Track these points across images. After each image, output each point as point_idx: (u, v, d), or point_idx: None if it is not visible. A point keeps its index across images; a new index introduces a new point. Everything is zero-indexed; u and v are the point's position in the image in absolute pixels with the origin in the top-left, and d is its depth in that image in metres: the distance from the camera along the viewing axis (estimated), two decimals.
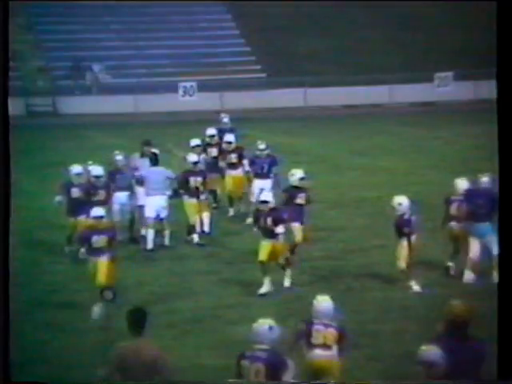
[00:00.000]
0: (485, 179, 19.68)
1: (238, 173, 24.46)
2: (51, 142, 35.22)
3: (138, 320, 11.62)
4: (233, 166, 24.43)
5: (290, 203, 19.97)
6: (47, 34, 50.65)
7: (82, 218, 20.73)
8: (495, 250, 18.54)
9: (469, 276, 19.31)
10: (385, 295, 18.44)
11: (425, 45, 50.84)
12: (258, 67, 50.30)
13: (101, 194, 21.09)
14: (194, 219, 22.17)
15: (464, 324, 11.45)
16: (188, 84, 47.24)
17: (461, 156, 33.24)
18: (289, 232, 19.66)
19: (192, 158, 22.74)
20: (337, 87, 47.22)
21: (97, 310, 16.44)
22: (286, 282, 18.49)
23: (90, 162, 23.08)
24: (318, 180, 28.78)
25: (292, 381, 11.13)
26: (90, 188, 21.20)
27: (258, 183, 23.81)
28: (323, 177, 28.98)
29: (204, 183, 22.55)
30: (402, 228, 18.39)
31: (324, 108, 45.69)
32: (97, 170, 21.46)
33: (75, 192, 21.35)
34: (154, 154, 23.32)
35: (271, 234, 18.21)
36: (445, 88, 48.34)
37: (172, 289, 18.96)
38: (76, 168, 21.60)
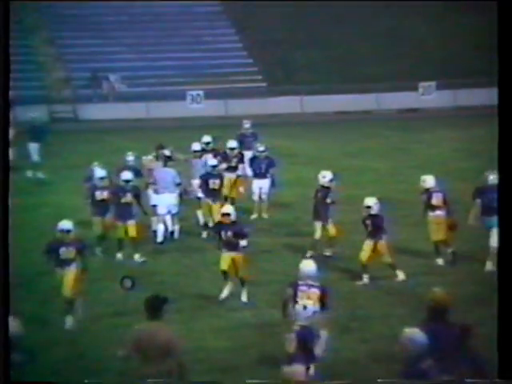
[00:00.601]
0: (492, 177, 19.26)
1: (232, 175, 24.18)
2: (72, 145, 35.20)
3: (156, 306, 11.60)
4: (231, 168, 24.16)
5: (321, 202, 20.23)
6: (68, 47, 50.62)
7: (109, 219, 20.84)
8: (494, 240, 18.56)
9: (489, 266, 19.03)
10: (373, 283, 18.46)
11: (410, 57, 50.77)
12: (259, 77, 50.27)
13: (128, 197, 20.73)
14: (209, 219, 22.00)
15: (444, 309, 11.45)
16: (195, 92, 47.25)
17: (442, 157, 33.27)
18: (324, 229, 20.17)
19: (211, 161, 22.55)
20: (330, 95, 47.22)
21: (69, 320, 16.20)
22: (244, 298, 17.43)
23: (96, 163, 23.09)
24: (312, 180, 28.87)
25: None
26: (119, 191, 20.88)
27: (257, 183, 24.00)
28: (314, 177, 29.00)
29: (221, 185, 22.32)
30: (368, 225, 18.45)
31: (319, 114, 45.69)
32: (126, 174, 21.17)
33: (99, 195, 21.10)
34: (167, 157, 23.38)
35: (232, 247, 17.32)
36: (428, 96, 48.37)
37: (180, 278, 18.99)
38: (99, 172, 21.43)
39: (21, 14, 51.95)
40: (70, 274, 16.22)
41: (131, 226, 20.56)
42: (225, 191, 23.21)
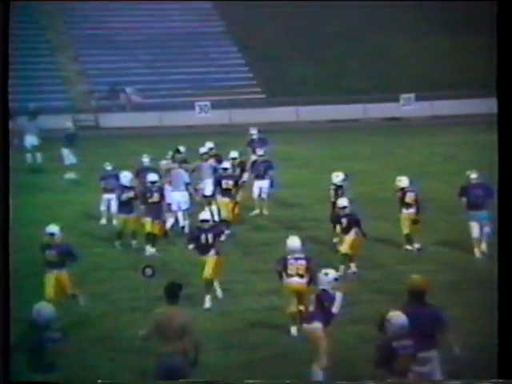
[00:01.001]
0: (474, 176, 19.78)
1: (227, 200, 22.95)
2: (93, 150, 35.21)
3: (174, 292, 11.65)
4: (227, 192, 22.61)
5: (337, 198, 20.09)
6: (90, 64, 50.64)
7: (132, 217, 20.77)
8: (477, 232, 19.43)
9: (477, 253, 19.42)
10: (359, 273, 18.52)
11: (392, 72, 50.76)
12: (259, 90, 50.28)
13: (155, 197, 20.48)
14: (224, 213, 21.95)
15: (421, 293, 11.53)
16: (203, 103, 47.23)
17: (421, 160, 33.30)
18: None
19: (224, 164, 22.48)
20: (322, 106, 47.20)
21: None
22: (219, 294, 16.82)
23: (107, 163, 23.19)
24: (307, 180, 28.94)
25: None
26: (147, 191, 20.63)
27: (257, 183, 23.97)
28: (311, 177, 29.10)
29: (235, 186, 22.15)
30: (343, 223, 18.37)
31: (312, 122, 45.73)
32: (152, 176, 20.98)
33: (127, 194, 20.81)
34: (183, 160, 23.52)
35: (211, 250, 16.57)
36: (408, 106, 48.33)
37: (189, 267, 18.98)
38: (126, 174, 21.22)
39: (48, 34, 52.01)
40: (52, 277, 15.76)
41: (157, 224, 20.46)
42: (224, 215, 22.22)
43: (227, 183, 21.83)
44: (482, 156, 31.21)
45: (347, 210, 18.40)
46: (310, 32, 53.22)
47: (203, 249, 16.55)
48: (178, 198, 22.21)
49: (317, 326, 12.72)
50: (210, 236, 16.50)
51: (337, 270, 17.53)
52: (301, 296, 14.54)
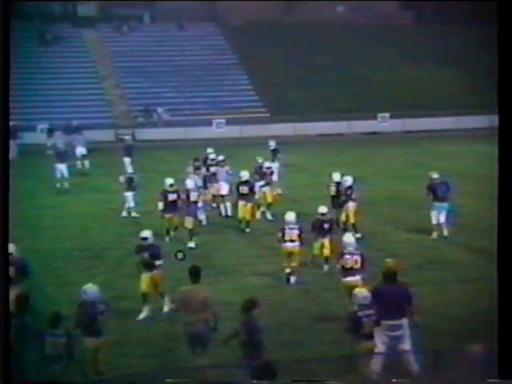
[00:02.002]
0: (435, 176, 20.40)
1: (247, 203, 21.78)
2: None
3: (196, 272, 11.62)
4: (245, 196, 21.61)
5: (348, 199, 20.17)
6: (128, 89, 50.62)
7: (175, 216, 20.14)
8: (443, 219, 19.99)
9: (435, 235, 19.97)
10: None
11: (371, 96, 50.66)
12: (264, 110, 50.20)
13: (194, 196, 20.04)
14: (241, 214, 21.24)
15: (393, 274, 11.49)
16: (219, 121, 47.20)
17: (394, 166, 33.22)
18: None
19: (242, 173, 21.59)
20: (314, 122, 47.10)
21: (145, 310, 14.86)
22: (166, 308, 14.65)
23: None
24: (302, 182, 28.86)
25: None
26: (188, 195, 20.05)
27: (258, 184, 23.72)
28: (305, 181, 29.00)
29: (251, 191, 21.28)
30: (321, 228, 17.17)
31: (306, 136, 45.58)
32: (190, 182, 20.63)
33: (171, 196, 20.15)
34: (198, 167, 23.48)
35: (150, 267, 14.51)
36: (384, 123, 48.20)
37: (208, 253, 18.94)
38: (170, 180, 20.53)
39: (97, 66, 52.04)
40: (147, 277, 14.46)
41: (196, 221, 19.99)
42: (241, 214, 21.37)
43: (243, 189, 21.22)
44: (444, 162, 31.28)
45: (328, 216, 17.45)
46: (304, 63, 53.16)
47: (145, 265, 14.62)
48: (194, 197, 21.94)
49: (357, 278, 13.53)
50: (147, 255, 14.54)
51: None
52: (293, 256, 16.35)
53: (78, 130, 37.74)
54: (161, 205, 20.27)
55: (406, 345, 11.21)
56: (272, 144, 28.68)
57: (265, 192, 23.17)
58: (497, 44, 8.77)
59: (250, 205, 21.29)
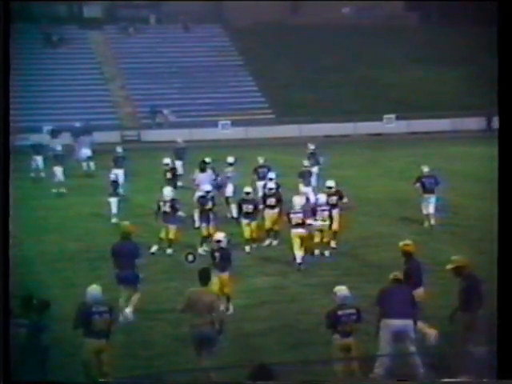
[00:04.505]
0: (426, 169, 21.73)
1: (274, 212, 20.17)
2: (137, 159, 35.15)
3: (206, 275, 11.58)
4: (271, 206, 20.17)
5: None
6: (134, 90, 50.68)
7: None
8: (432, 209, 21.28)
9: (426, 224, 21.28)
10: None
11: (377, 97, 50.64)
12: (270, 111, 50.21)
13: (209, 205, 18.92)
14: (246, 234, 19.30)
15: (399, 280, 11.60)
16: (224, 122, 47.23)
17: (399, 168, 33.17)
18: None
19: (246, 188, 19.86)
20: (320, 124, 47.09)
21: None
22: (231, 310, 14.63)
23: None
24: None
25: None
26: (203, 201, 19.05)
27: (259, 184, 23.73)
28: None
29: (255, 209, 19.36)
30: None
31: (311, 137, 45.38)
32: (207, 186, 19.65)
33: (209, 205, 19.01)
34: (206, 168, 23.34)
35: (221, 268, 14.46)
36: (390, 125, 48.21)
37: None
38: (206, 187, 19.72)
39: (102, 67, 52.10)
40: (216, 277, 14.01)
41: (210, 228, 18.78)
42: (268, 224, 19.85)
43: (247, 207, 19.25)
44: (449, 164, 31.23)
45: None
46: (310, 65, 53.14)
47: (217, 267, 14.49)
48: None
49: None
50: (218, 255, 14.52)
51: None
52: (302, 239, 17.52)
53: (85, 131, 37.91)
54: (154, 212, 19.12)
55: (412, 346, 11.19)
56: (312, 147, 28.64)
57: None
58: (497, 44, 8.74)
59: (254, 223, 19.47)
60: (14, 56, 45.93)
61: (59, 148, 30.12)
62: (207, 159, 23.95)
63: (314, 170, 26.16)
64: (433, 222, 21.23)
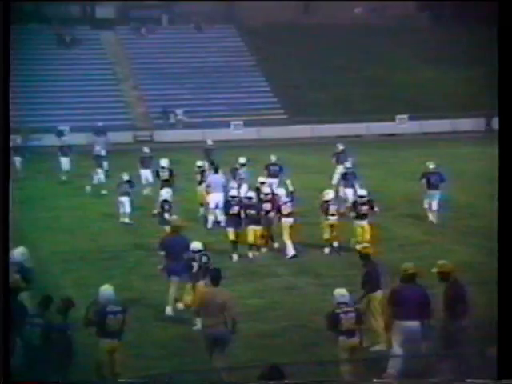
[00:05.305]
0: (432, 166, 22.25)
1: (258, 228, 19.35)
2: None
3: (217, 275, 11.55)
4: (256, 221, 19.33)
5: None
6: (147, 91, 50.78)
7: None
8: (435, 206, 21.66)
9: (432, 218, 21.68)
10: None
11: (391, 97, 50.52)
12: (282, 111, 50.17)
13: (236, 209, 18.84)
14: (250, 239, 18.78)
15: (412, 276, 11.46)
16: (237, 122, 47.26)
17: (412, 168, 32.93)
18: None
19: (249, 194, 19.57)
20: (332, 124, 47.02)
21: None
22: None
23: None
24: (320, 182, 28.77)
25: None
26: (229, 206, 19.07)
27: (271, 181, 23.74)
28: (323, 182, 28.86)
29: (258, 214, 18.84)
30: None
31: (323, 138, 45.43)
32: (233, 191, 19.85)
33: (235, 209, 18.79)
34: (216, 169, 23.34)
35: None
36: (402, 125, 48.13)
37: (225, 253, 18.84)
38: (233, 192, 19.86)
39: (114, 68, 52.22)
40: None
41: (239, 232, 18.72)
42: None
43: (250, 212, 18.72)
44: (462, 164, 31.15)
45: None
46: (322, 65, 53.05)
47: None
48: (216, 198, 21.92)
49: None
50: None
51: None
52: (333, 227, 18.84)
53: (100, 131, 38.35)
54: (167, 215, 19.06)
55: (424, 347, 11.14)
56: (341, 147, 28.62)
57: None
58: (497, 44, 8.66)
59: (259, 228, 18.89)
60: (27, 57, 46.54)
61: (98, 148, 30.66)
62: (242, 160, 24.09)
63: (340, 169, 26.52)
64: (434, 219, 21.51)
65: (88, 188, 25.54)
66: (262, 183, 20.79)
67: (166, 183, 23.28)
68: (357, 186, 23.37)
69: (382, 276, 12.78)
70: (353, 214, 18.72)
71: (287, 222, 18.85)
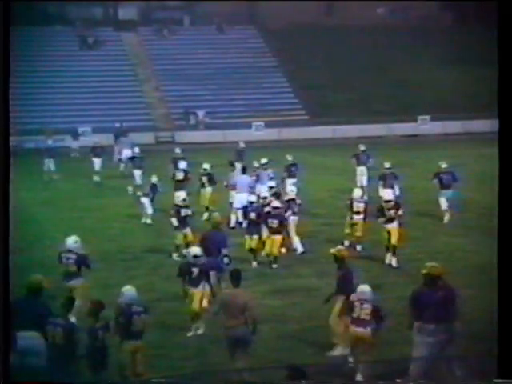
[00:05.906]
0: (444, 165, 22.62)
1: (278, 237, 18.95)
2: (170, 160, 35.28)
3: (237, 276, 11.56)
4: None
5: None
6: (168, 92, 50.94)
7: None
8: (445, 206, 22.00)
9: (446, 218, 21.98)
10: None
11: (412, 98, 50.37)
12: (303, 112, 50.17)
13: (253, 215, 18.67)
14: (268, 248, 18.45)
15: (434, 277, 11.30)
16: (258, 123, 47.29)
17: (434, 170, 32.77)
18: None
19: (274, 203, 18.81)
20: (353, 125, 46.94)
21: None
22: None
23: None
24: (341, 183, 28.74)
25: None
26: (246, 211, 19.10)
27: (289, 181, 23.81)
28: (345, 182, 28.84)
29: (280, 224, 18.33)
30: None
31: (345, 138, 45.33)
32: (251, 197, 19.67)
33: (253, 215, 18.63)
34: (244, 169, 23.51)
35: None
36: (424, 126, 47.95)
37: (245, 253, 18.82)
38: (252, 197, 19.63)
39: (136, 69, 52.44)
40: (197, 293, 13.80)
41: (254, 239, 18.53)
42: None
43: (272, 222, 18.27)
44: (484, 165, 30.89)
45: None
46: (343, 65, 53.00)
47: (193, 282, 13.81)
48: (241, 198, 21.83)
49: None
50: (198, 270, 13.79)
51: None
52: (357, 226, 19.14)
53: (123, 132, 38.68)
54: (174, 221, 18.82)
55: (448, 350, 11.07)
56: (362, 148, 28.59)
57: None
58: (497, 44, 8.64)
59: (279, 238, 18.48)
60: (50, 58, 46.87)
61: (137, 150, 30.84)
62: (264, 160, 24.20)
63: (362, 169, 26.93)
64: (446, 218, 21.74)
65: (130, 189, 25.53)
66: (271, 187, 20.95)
67: (180, 184, 23.38)
68: (396, 187, 23.45)
69: (354, 281, 12.57)
70: (381, 220, 18.03)
71: (293, 220, 19.36)
